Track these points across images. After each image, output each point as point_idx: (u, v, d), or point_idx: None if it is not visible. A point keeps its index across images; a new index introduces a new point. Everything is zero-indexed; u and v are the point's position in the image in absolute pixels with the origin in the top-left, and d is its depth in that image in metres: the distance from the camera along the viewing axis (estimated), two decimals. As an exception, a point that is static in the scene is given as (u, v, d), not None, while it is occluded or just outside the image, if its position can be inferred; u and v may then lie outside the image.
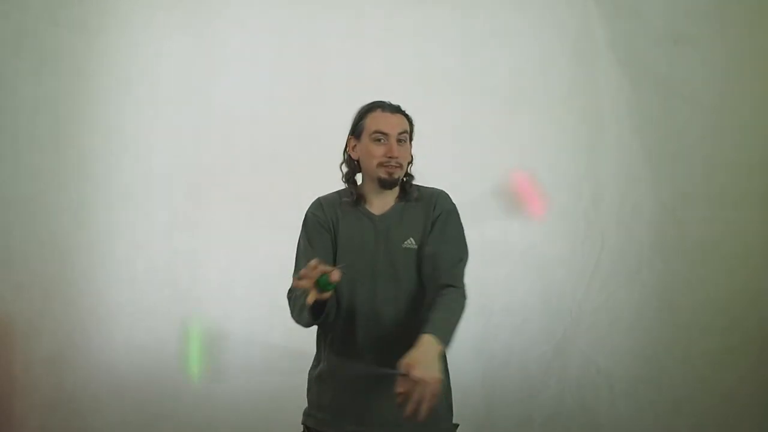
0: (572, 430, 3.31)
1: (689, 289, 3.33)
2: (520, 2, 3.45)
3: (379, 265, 1.93)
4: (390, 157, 1.94)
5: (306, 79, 3.37)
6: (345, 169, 2.04)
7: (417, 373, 1.60)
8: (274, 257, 3.20)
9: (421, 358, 1.63)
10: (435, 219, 1.97)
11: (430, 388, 1.60)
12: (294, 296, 1.88)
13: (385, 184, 1.97)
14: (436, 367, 1.64)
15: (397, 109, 2.00)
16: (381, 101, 2.01)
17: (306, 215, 2.03)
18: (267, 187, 3.30)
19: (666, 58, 3.38)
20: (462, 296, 1.89)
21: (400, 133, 1.96)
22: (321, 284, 1.68)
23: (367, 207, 2.00)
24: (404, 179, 2.02)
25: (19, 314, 3.22)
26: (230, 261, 3.29)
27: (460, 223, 2.00)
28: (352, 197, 2.00)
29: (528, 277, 3.36)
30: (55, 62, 3.30)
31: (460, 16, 3.43)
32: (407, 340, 1.80)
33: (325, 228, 1.98)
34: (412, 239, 1.95)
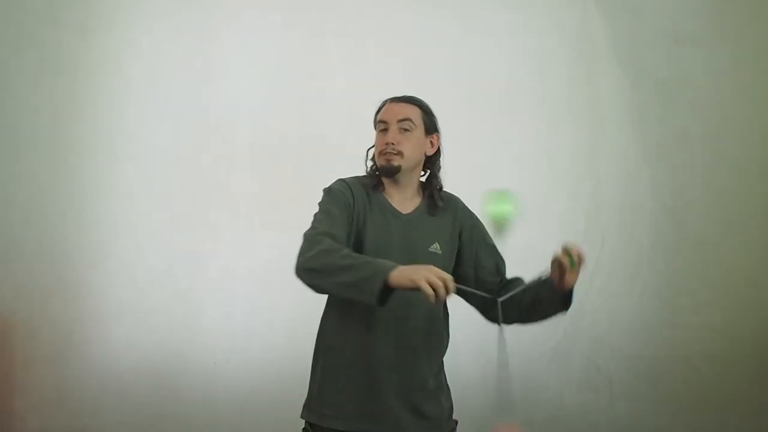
0: (572, 430, 3.31)
1: (689, 289, 3.34)
2: (520, 2, 3.46)
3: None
4: (387, 144, 1.91)
5: (306, 79, 3.37)
6: (369, 163, 2.01)
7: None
8: (274, 257, 3.22)
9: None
10: (470, 231, 2.02)
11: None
12: (354, 263, 1.70)
13: (384, 172, 1.94)
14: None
15: (405, 99, 1.97)
16: (399, 96, 1.99)
17: (332, 187, 1.93)
18: (267, 187, 3.30)
19: (666, 58, 3.39)
20: None
21: (401, 121, 1.92)
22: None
23: (390, 201, 1.96)
24: (430, 182, 2.00)
25: (19, 314, 3.21)
26: (230, 261, 3.29)
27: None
28: (372, 180, 1.96)
29: (528, 277, 3.35)
30: (55, 62, 3.29)
31: (460, 16, 3.43)
32: (424, 345, 1.90)
33: (347, 207, 1.89)
34: (437, 244, 1.95)
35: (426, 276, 1.59)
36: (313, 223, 1.87)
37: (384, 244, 1.91)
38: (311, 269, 1.75)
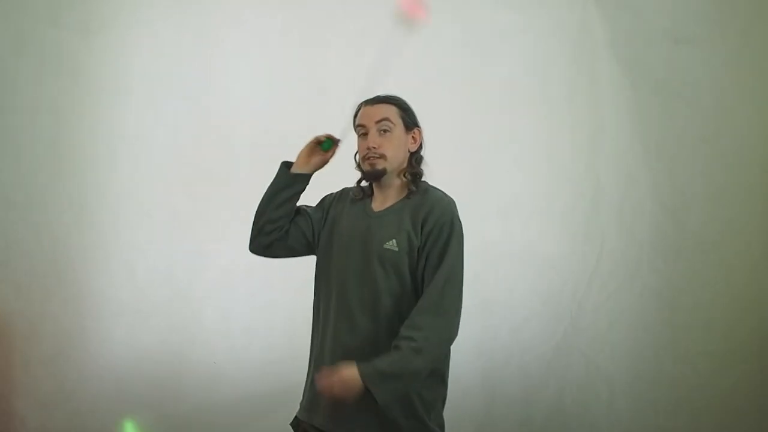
0: (572, 430, 3.31)
1: (689, 289, 3.34)
2: (520, 2, 3.46)
3: (357, 264, 1.89)
4: (368, 149, 1.92)
5: (306, 79, 3.37)
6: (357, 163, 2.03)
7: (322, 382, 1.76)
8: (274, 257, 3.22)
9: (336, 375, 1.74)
10: (433, 226, 1.86)
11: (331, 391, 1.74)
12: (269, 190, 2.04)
13: (369, 177, 1.95)
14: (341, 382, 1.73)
15: (379, 100, 1.97)
16: (372, 97, 2.00)
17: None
18: (267, 186, 3.29)
19: (666, 58, 3.38)
20: (414, 352, 1.74)
21: (380, 122, 1.92)
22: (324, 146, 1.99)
23: (372, 203, 1.98)
24: (408, 176, 1.96)
25: (19, 314, 3.22)
26: (230, 261, 3.29)
27: (455, 244, 1.85)
28: (359, 193, 2.01)
29: (528, 277, 3.36)
30: (56, 63, 3.29)
31: (460, 16, 3.43)
32: (376, 343, 1.83)
33: (321, 214, 2.04)
34: (394, 241, 1.87)
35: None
36: None
37: (347, 241, 1.94)
38: (253, 224, 2.09)
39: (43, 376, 3.21)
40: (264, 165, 3.32)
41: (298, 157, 2.01)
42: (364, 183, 2.03)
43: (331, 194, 2.09)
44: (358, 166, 2.00)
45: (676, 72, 3.38)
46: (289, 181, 1.99)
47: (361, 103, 2.00)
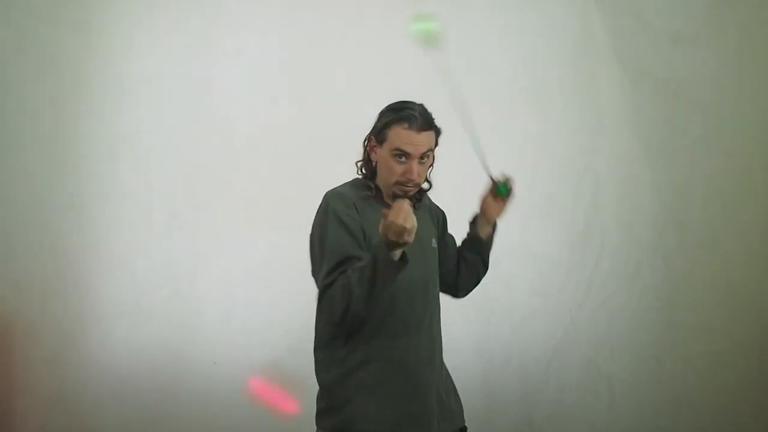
0: (572, 430, 3.31)
1: (689, 289, 3.34)
2: (519, 2, 3.46)
3: (414, 266, 1.82)
4: (408, 179, 1.85)
5: (306, 79, 3.36)
6: (364, 168, 1.94)
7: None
8: (274, 257, 3.22)
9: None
10: (442, 221, 2.12)
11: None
12: (361, 273, 1.68)
13: (393, 197, 1.90)
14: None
15: (425, 125, 1.86)
16: (411, 111, 1.86)
17: (335, 210, 1.81)
18: (267, 187, 3.30)
19: (666, 58, 3.39)
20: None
21: (425, 152, 1.86)
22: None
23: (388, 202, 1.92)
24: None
25: (19, 314, 3.22)
26: (230, 261, 3.29)
27: None
28: (372, 192, 1.90)
29: (528, 277, 3.36)
30: (55, 62, 3.29)
31: (460, 16, 3.43)
32: (434, 338, 1.91)
33: (359, 228, 1.81)
34: (433, 239, 2.00)
35: (406, 224, 1.60)
36: (322, 267, 1.78)
37: None
38: (339, 319, 1.74)
39: (43, 376, 3.21)
40: (264, 165, 3.37)
41: (408, 234, 1.64)
42: (360, 184, 1.95)
43: (349, 210, 1.83)
44: (371, 175, 1.93)
45: (676, 72, 3.38)
46: (400, 271, 1.71)
47: (402, 120, 1.85)
